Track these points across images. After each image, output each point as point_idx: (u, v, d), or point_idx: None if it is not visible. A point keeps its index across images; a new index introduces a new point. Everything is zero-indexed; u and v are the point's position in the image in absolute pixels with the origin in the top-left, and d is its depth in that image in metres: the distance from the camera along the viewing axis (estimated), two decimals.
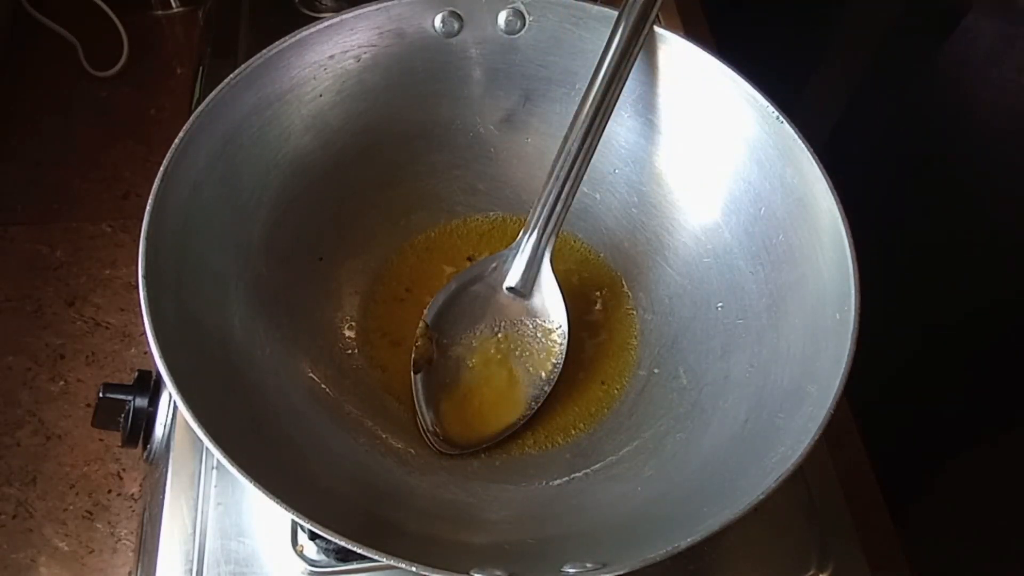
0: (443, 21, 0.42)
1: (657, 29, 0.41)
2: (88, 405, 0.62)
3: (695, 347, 0.42)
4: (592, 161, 0.41)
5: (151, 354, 0.32)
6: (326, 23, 0.40)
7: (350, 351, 0.43)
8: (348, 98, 0.43)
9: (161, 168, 0.36)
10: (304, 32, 0.40)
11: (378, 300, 0.45)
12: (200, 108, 0.37)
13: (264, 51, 0.39)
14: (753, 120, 0.40)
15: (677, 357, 0.42)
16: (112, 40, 0.77)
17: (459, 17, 0.42)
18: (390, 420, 0.41)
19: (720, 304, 0.42)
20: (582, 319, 0.45)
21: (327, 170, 0.43)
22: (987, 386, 0.46)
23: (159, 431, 0.45)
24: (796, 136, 0.38)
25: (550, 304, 0.43)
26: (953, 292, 0.48)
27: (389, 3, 0.41)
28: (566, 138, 0.40)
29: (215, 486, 0.42)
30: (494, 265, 0.43)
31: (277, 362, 0.40)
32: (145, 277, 0.34)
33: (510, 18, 0.42)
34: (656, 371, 0.43)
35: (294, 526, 0.41)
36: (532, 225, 0.42)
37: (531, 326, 0.43)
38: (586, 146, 0.40)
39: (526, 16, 0.42)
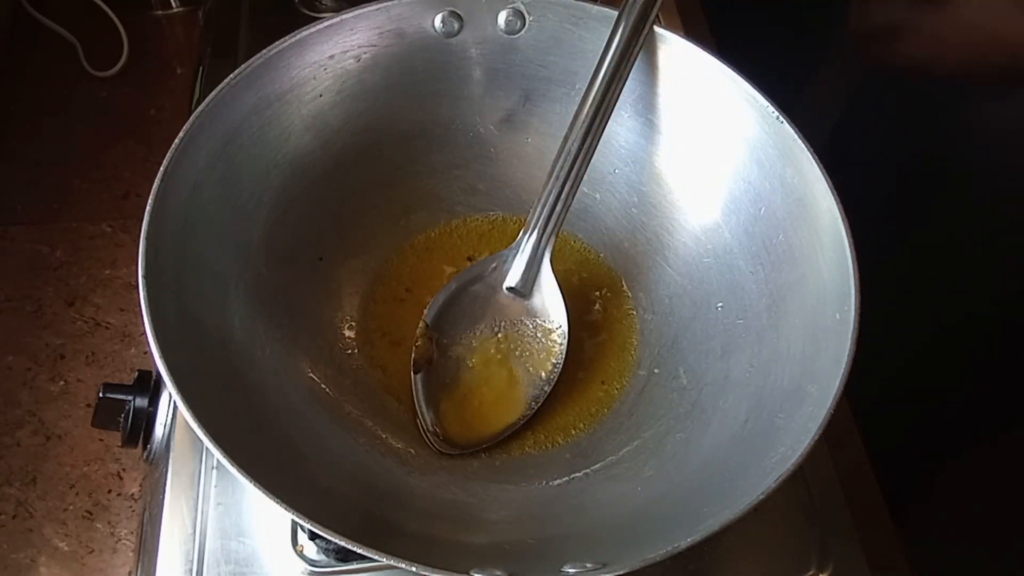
0: (443, 21, 0.42)
1: (657, 29, 0.41)
2: (88, 405, 0.62)
3: (695, 347, 0.42)
4: (592, 161, 0.41)
5: (151, 354, 0.32)
6: (326, 23, 0.40)
7: (350, 351, 0.43)
8: (348, 98, 0.43)
9: (161, 168, 0.36)
10: (304, 32, 0.40)
11: (378, 300, 0.45)
12: (200, 108, 0.37)
13: (264, 51, 0.39)
14: (753, 120, 0.40)
15: (677, 357, 0.42)
16: (112, 40, 0.77)
17: (459, 17, 0.42)
18: (390, 420, 0.41)
19: (720, 304, 0.42)
20: (582, 319, 0.45)
21: (327, 170, 0.43)
22: (987, 386, 0.46)
23: (159, 431, 0.45)
24: (796, 136, 0.38)
25: (550, 304, 0.43)
26: (953, 292, 0.47)
27: (389, 3, 0.41)
28: (566, 138, 0.40)
29: (215, 486, 0.42)
30: (494, 265, 0.43)
31: (277, 362, 0.40)
32: (145, 277, 0.34)
33: (510, 18, 0.42)
34: (656, 371, 0.43)
35: (294, 526, 0.41)
36: (532, 225, 0.42)
37: (531, 326, 0.43)
38: (586, 146, 0.40)
39: (526, 16, 0.42)
